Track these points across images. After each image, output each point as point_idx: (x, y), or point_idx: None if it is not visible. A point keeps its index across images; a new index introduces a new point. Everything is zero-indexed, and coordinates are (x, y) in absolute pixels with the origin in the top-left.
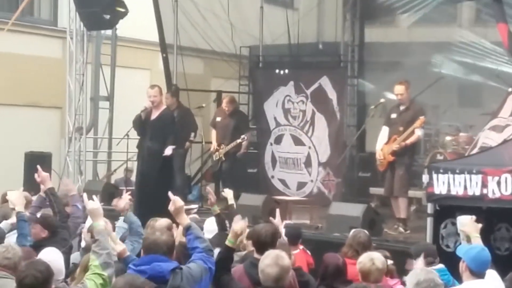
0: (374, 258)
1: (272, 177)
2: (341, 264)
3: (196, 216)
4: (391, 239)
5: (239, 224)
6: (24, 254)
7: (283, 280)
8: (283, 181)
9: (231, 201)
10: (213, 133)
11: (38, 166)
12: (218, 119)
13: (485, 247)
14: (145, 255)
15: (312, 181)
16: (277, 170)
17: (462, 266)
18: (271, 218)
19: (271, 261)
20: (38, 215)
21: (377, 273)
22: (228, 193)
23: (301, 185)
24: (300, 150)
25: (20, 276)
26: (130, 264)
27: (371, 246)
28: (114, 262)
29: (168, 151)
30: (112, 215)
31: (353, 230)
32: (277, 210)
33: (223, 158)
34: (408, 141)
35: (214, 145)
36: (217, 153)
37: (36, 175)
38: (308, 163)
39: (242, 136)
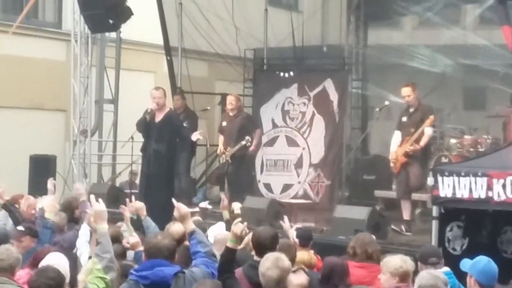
0: (407, 260)
1: (259, 181)
2: (341, 266)
3: (199, 218)
4: (396, 242)
5: (238, 225)
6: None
7: (284, 282)
8: (267, 185)
9: (237, 210)
10: (220, 138)
11: None
12: (224, 123)
13: (490, 259)
14: (147, 260)
15: (299, 182)
16: (263, 174)
17: (470, 281)
18: (281, 222)
19: (271, 264)
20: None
21: (412, 274)
22: (236, 205)
23: (286, 187)
24: (293, 151)
25: (32, 285)
26: (131, 269)
27: (376, 247)
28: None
29: (195, 136)
30: (116, 219)
31: (357, 234)
32: (285, 217)
33: (229, 161)
34: (422, 143)
35: (220, 148)
36: (223, 155)
37: None
38: (299, 164)
39: (246, 138)
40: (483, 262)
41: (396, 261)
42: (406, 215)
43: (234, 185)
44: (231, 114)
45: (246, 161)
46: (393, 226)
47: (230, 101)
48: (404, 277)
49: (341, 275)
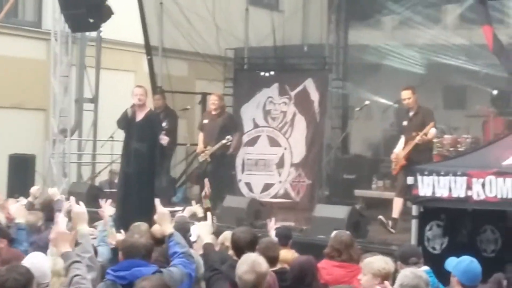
0: (389, 261)
1: (240, 180)
2: (314, 265)
3: (184, 215)
4: (376, 241)
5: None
6: (11, 256)
7: (260, 286)
8: (248, 185)
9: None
10: (200, 135)
11: None
12: (205, 121)
13: (473, 258)
14: (124, 260)
15: (280, 182)
16: (244, 173)
17: (453, 281)
18: (268, 221)
19: (247, 267)
20: None
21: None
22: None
23: (267, 187)
24: (275, 151)
25: (1, 280)
26: (108, 269)
27: (354, 245)
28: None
29: (163, 140)
30: (96, 218)
31: (334, 231)
32: (273, 219)
33: (209, 159)
34: (429, 135)
35: (200, 146)
36: (202, 154)
37: None
38: (280, 164)
39: (227, 137)
40: (465, 262)
41: (379, 263)
42: (395, 214)
43: (214, 184)
44: (213, 113)
45: (226, 160)
46: (380, 216)
47: (213, 100)
48: (386, 277)
49: (312, 273)
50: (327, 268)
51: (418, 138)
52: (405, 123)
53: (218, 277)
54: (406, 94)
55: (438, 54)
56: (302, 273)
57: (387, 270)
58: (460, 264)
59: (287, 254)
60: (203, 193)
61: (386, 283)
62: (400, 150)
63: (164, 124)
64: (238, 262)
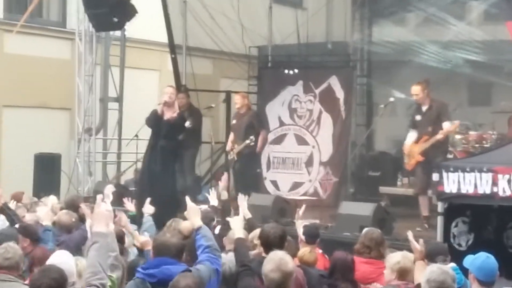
0: (410, 257)
1: (265, 178)
2: (349, 261)
3: (207, 207)
4: (402, 238)
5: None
6: (39, 254)
7: (285, 285)
8: (274, 182)
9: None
10: (230, 135)
11: None
12: (234, 121)
13: (489, 254)
14: (154, 258)
15: (310, 180)
16: (270, 171)
17: (470, 277)
18: (296, 217)
19: (273, 266)
20: None
21: (413, 270)
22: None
23: (296, 185)
24: (303, 149)
25: (34, 285)
26: (138, 267)
27: (384, 243)
28: (121, 265)
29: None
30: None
31: (365, 229)
32: (298, 210)
33: (235, 158)
34: (446, 129)
35: (229, 145)
36: (231, 152)
37: None
38: (309, 162)
39: (251, 137)
40: (481, 258)
41: (395, 258)
42: (424, 211)
43: (241, 182)
44: (240, 112)
45: (253, 158)
46: (396, 230)
47: (236, 100)
48: (402, 274)
49: (343, 271)
50: (355, 264)
51: (439, 136)
52: (418, 117)
53: (247, 273)
54: (415, 90)
55: (463, 50)
56: (333, 269)
57: (402, 265)
58: (476, 261)
59: (306, 251)
60: (221, 187)
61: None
62: (412, 144)
63: (187, 123)
64: (264, 260)
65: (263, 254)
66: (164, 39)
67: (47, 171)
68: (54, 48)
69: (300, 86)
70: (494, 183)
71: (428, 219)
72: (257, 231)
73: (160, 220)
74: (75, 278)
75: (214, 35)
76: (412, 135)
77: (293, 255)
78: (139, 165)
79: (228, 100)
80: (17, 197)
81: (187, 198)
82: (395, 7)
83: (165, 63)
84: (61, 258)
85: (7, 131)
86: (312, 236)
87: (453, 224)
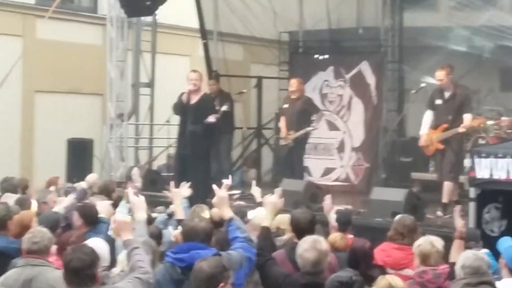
0: (433, 241)
1: None
2: (368, 249)
3: (240, 203)
4: (433, 224)
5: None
6: (74, 239)
7: (321, 264)
8: (306, 168)
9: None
10: (282, 120)
11: None
12: (285, 106)
13: None
14: (183, 242)
15: (342, 166)
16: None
17: (501, 262)
18: (324, 202)
19: (308, 245)
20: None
21: (437, 255)
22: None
23: (328, 171)
24: (334, 135)
25: (66, 259)
26: (167, 251)
27: (417, 230)
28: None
29: (211, 118)
30: (154, 202)
31: (398, 216)
32: (328, 197)
33: (291, 144)
34: (467, 126)
35: (284, 131)
36: (284, 138)
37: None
38: (341, 148)
39: (313, 124)
40: None
41: (418, 242)
42: (444, 198)
43: (297, 167)
44: (292, 96)
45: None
46: (428, 215)
47: (292, 83)
48: (423, 258)
49: (366, 259)
50: (387, 250)
51: (461, 130)
52: (439, 101)
53: (272, 263)
54: (439, 76)
55: (495, 36)
56: (355, 258)
57: (421, 248)
58: (511, 249)
59: (337, 237)
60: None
61: None
62: (430, 130)
63: (224, 107)
64: (299, 242)
65: (295, 240)
66: (195, 24)
67: (79, 157)
68: (86, 34)
69: (331, 71)
70: None
71: (445, 206)
72: (281, 217)
73: (191, 206)
74: (107, 263)
75: (245, 20)
76: (428, 117)
77: None
78: (171, 150)
79: (259, 86)
80: (53, 182)
81: (215, 186)
82: None
83: (196, 48)
84: (94, 244)
85: (40, 116)
86: (344, 223)
87: (485, 210)
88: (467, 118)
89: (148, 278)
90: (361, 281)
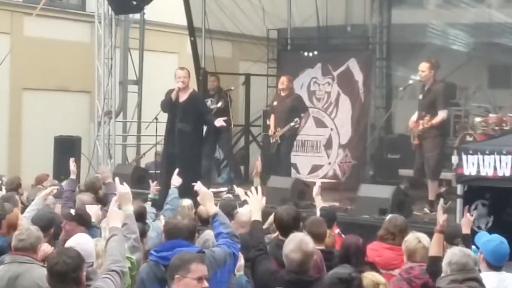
0: (420, 237)
1: None
2: (361, 245)
3: (230, 196)
4: (421, 221)
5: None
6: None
7: (306, 265)
8: (294, 165)
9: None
10: (271, 117)
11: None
12: (275, 103)
13: (504, 239)
14: (167, 240)
15: (329, 163)
16: (291, 154)
17: (480, 256)
18: (315, 197)
19: (294, 246)
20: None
21: (423, 251)
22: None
23: (315, 168)
24: (322, 132)
25: (50, 263)
26: (151, 250)
27: (408, 230)
28: (140, 247)
29: (219, 122)
30: (141, 199)
31: (389, 215)
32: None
33: (279, 141)
34: (434, 121)
35: (271, 129)
36: (273, 135)
37: None
38: (328, 145)
39: (295, 119)
40: (494, 242)
41: (406, 237)
42: (430, 195)
43: (276, 164)
44: (282, 94)
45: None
46: (415, 213)
47: (282, 81)
48: (410, 254)
49: (358, 254)
50: (378, 250)
51: (424, 125)
52: (420, 97)
53: (264, 257)
54: (422, 67)
55: (482, 33)
56: (348, 254)
57: (408, 244)
58: (489, 244)
59: (329, 239)
60: (253, 172)
61: None
62: (413, 123)
63: (219, 104)
64: (285, 241)
65: (280, 237)
66: (183, 21)
67: (67, 154)
68: (74, 31)
69: (319, 68)
70: None
71: (431, 203)
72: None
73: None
74: (93, 258)
75: (233, 18)
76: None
77: (323, 233)
78: (159, 147)
79: (247, 83)
80: (41, 180)
81: (199, 183)
82: None
83: (185, 46)
84: (80, 239)
85: (27, 114)
86: (329, 219)
87: (473, 206)
88: (441, 114)
89: (121, 267)
90: (359, 277)
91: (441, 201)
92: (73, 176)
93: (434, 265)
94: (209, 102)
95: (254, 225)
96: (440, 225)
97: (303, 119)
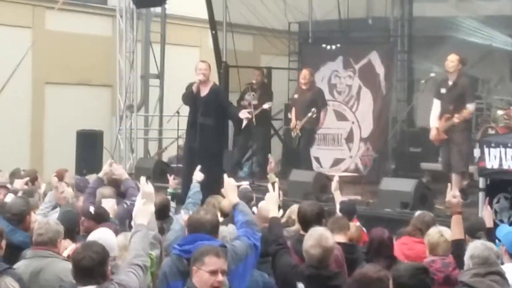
0: (442, 231)
1: None
2: (386, 238)
3: (247, 187)
4: (443, 214)
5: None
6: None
7: (326, 261)
8: (317, 159)
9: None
10: (292, 110)
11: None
12: (296, 96)
13: None
14: (189, 234)
15: (351, 157)
16: (314, 148)
17: (501, 248)
18: (333, 192)
19: (314, 242)
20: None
21: (445, 245)
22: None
23: (337, 162)
24: (343, 125)
25: (76, 258)
26: (174, 244)
27: (435, 225)
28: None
29: (244, 114)
30: (163, 193)
31: (417, 212)
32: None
33: (300, 134)
34: (466, 115)
35: (293, 121)
36: (294, 129)
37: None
38: (349, 138)
39: (312, 110)
40: None
41: (429, 231)
42: (454, 190)
43: (302, 159)
44: (303, 87)
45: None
46: (437, 206)
47: (304, 74)
48: (432, 248)
49: (380, 248)
50: (408, 243)
51: (456, 120)
52: (443, 90)
53: (284, 251)
54: (451, 57)
55: (504, 25)
56: (371, 246)
57: (429, 237)
58: (511, 236)
59: (351, 229)
60: (268, 168)
61: None
62: (437, 121)
63: (266, 105)
64: (305, 236)
65: (301, 232)
66: (205, 15)
67: (89, 148)
68: (95, 25)
69: (340, 61)
70: None
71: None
72: (293, 207)
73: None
74: (116, 252)
75: (255, 11)
76: (436, 107)
77: (346, 225)
78: (181, 141)
79: (269, 76)
80: (60, 174)
81: (225, 175)
82: None
83: (206, 39)
84: (103, 234)
85: (50, 108)
86: (348, 212)
87: (495, 200)
88: (470, 107)
89: (143, 262)
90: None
91: (448, 187)
92: (101, 175)
93: (458, 248)
94: (250, 96)
95: (273, 221)
96: (454, 206)
97: (322, 113)
